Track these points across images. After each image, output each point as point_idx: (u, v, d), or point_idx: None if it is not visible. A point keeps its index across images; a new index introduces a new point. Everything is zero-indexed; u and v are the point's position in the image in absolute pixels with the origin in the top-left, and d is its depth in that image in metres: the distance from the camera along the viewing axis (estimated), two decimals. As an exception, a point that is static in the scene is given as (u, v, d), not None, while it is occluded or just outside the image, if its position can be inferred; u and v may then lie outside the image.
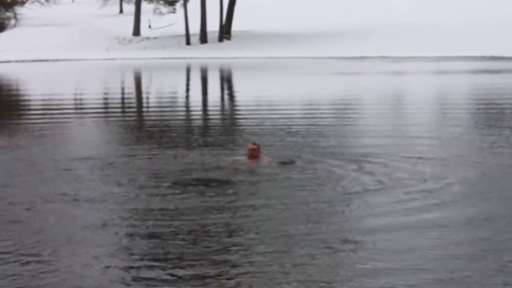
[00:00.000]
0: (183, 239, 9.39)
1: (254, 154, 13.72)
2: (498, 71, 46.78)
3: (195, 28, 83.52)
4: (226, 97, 34.84)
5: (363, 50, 69.42)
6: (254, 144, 14.05)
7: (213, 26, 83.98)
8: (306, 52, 70.45)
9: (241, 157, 14.11)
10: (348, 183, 12.43)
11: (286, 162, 14.01)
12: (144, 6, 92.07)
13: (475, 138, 18.15)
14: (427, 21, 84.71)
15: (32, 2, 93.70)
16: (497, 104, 27.14)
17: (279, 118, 22.78)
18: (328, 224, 10.11)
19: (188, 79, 48.85)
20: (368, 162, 14.20)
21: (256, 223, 10.17)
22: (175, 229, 9.82)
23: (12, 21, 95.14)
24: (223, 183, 12.51)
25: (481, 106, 26.84)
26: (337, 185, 12.26)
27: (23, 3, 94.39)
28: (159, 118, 25.06)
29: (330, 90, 35.47)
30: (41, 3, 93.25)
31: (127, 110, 29.01)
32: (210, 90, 38.80)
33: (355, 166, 13.69)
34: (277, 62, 61.42)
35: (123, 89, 40.34)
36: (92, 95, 34.68)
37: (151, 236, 9.63)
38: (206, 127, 22.46)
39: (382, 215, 10.52)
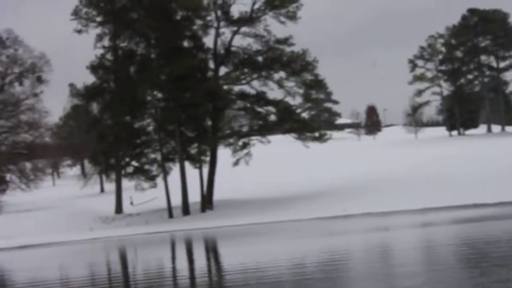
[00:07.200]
0: None
1: None
2: (481, 219, 46.91)
3: (177, 200, 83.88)
4: (212, 263, 34.51)
5: (345, 209, 69.68)
6: None
7: (194, 197, 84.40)
8: (290, 215, 70.55)
9: None
10: None
11: None
12: (125, 183, 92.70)
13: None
14: (407, 175, 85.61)
15: (13, 189, 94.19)
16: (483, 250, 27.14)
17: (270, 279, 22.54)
18: None
19: (173, 251, 48.48)
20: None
21: None
22: None
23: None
24: None
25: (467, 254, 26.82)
26: None
27: (3, 190, 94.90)
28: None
29: (315, 252, 35.26)
30: (22, 189, 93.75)
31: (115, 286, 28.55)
32: (196, 258, 38.44)
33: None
34: (263, 228, 61.33)
35: (108, 268, 39.89)
36: (78, 278, 34.18)
37: None
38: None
39: None
